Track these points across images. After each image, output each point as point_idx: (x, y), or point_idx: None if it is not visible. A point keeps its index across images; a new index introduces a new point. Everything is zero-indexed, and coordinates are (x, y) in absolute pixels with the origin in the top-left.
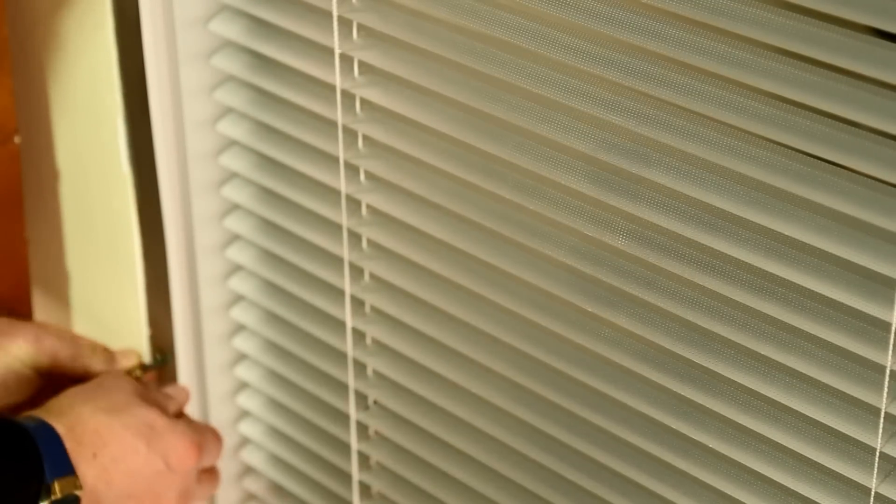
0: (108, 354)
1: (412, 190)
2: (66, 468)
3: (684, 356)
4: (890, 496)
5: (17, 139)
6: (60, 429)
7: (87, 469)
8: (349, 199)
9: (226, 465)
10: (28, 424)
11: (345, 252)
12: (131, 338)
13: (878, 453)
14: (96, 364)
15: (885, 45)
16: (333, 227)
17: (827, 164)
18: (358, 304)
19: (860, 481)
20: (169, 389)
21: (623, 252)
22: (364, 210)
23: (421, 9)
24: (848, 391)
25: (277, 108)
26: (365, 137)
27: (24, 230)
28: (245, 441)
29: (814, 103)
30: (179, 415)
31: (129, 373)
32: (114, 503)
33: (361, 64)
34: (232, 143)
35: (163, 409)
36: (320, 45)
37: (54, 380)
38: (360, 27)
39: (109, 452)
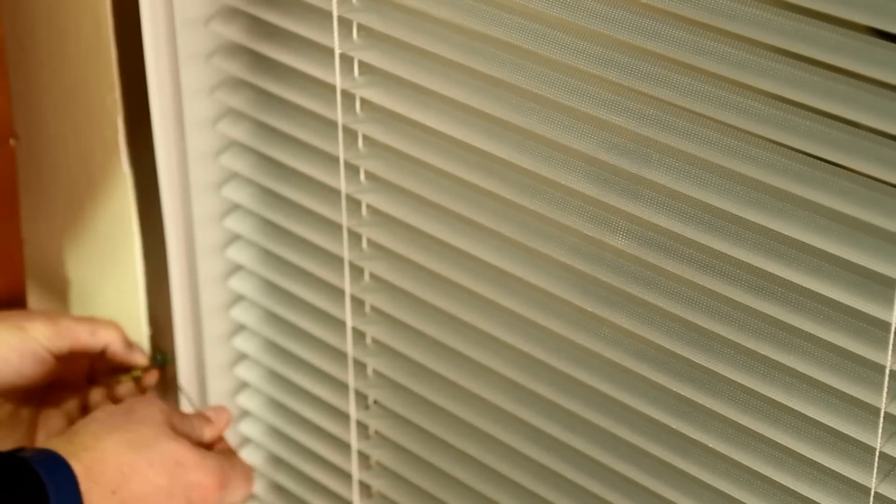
0: (127, 342)
1: (412, 190)
2: None
3: (684, 356)
4: (890, 496)
5: (12, 142)
6: (78, 468)
7: None
8: (349, 199)
9: None
10: (39, 461)
11: (345, 252)
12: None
13: (877, 453)
14: (114, 341)
15: (885, 45)
16: (333, 227)
17: (827, 164)
18: (358, 304)
19: (860, 481)
20: (209, 412)
21: (623, 252)
22: (364, 210)
23: (421, 9)
24: (848, 391)
25: (277, 108)
26: (365, 137)
27: (19, 231)
28: (245, 441)
29: (814, 103)
30: (217, 441)
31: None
32: None
33: (361, 64)
34: (232, 143)
35: (195, 437)
36: (320, 45)
37: (71, 368)
38: (360, 27)
39: (130, 489)
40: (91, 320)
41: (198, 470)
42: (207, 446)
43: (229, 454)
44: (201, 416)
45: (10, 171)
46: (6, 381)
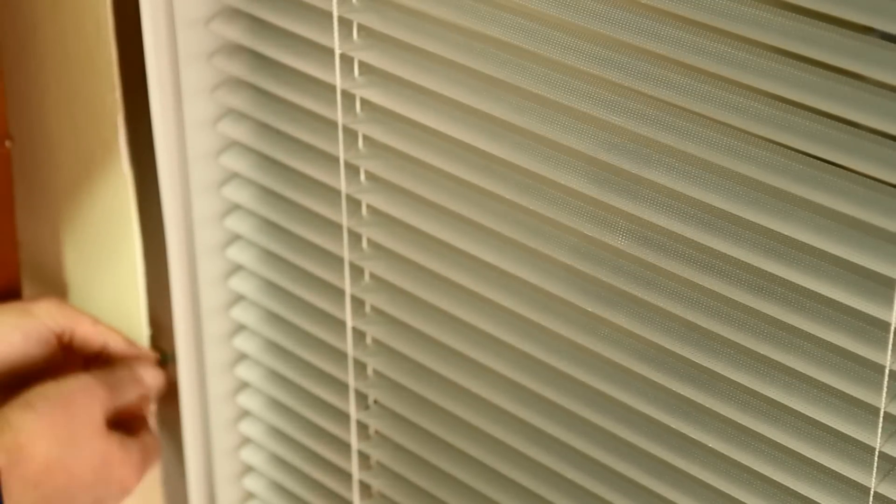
0: (128, 340)
1: (412, 190)
2: None
3: (684, 356)
4: (889, 495)
5: (7, 143)
6: (3, 459)
7: (24, 496)
8: (349, 199)
9: (226, 465)
10: None
11: (345, 252)
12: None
13: (877, 453)
14: (114, 342)
15: (885, 46)
16: (333, 227)
17: (826, 164)
18: (358, 304)
19: (859, 481)
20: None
21: (623, 252)
22: (364, 210)
23: (421, 9)
24: (847, 391)
25: (277, 108)
26: (365, 137)
27: (15, 233)
28: (245, 441)
29: (814, 103)
30: (144, 402)
31: None
32: None
33: (361, 64)
34: (232, 143)
35: (133, 408)
36: (320, 45)
37: (66, 369)
38: (360, 27)
39: (53, 484)
40: (97, 320)
41: (123, 467)
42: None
43: (146, 436)
44: (132, 379)
45: (6, 173)
46: (11, 362)
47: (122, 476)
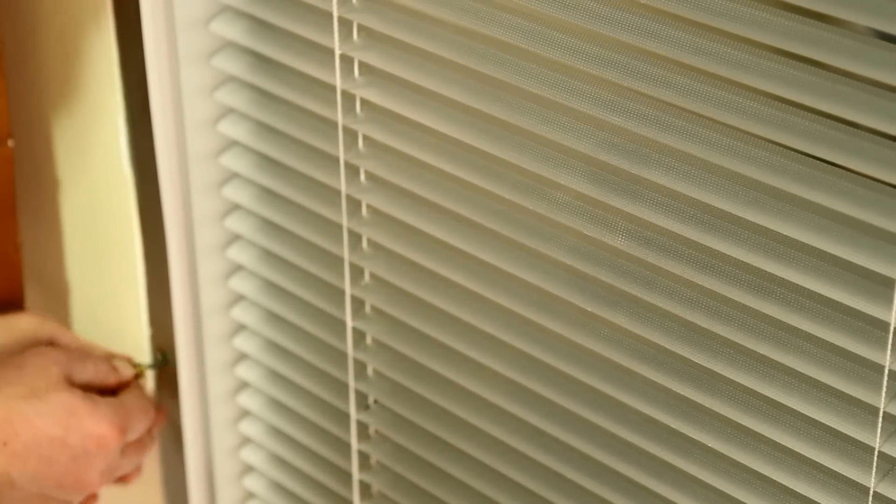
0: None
1: (412, 190)
2: None
3: (684, 356)
4: (889, 495)
5: (10, 143)
6: None
7: None
8: (349, 199)
9: (226, 465)
10: None
11: (345, 252)
12: (131, 338)
13: (876, 452)
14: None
15: (885, 46)
16: (333, 227)
17: (826, 165)
18: (358, 304)
19: (859, 480)
20: (116, 363)
21: (623, 252)
22: (364, 210)
23: (421, 9)
24: (847, 391)
25: (278, 108)
26: (365, 137)
27: (17, 234)
28: (245, 441)
29: (813, 104)
30: (122, 385)
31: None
32: (29, 485)
33: (361, 64)
34: (232, 144)
35: (97, 383)
36: (320, 45)
37: None
38: (360, 28)
39: (21, 440)
40: (77, 336)
41: (91, 418)
42: (114, 389)
43: (125, 397)
44: (103, 362)
45: (8, 173)
46: None
47: (92, 428)
